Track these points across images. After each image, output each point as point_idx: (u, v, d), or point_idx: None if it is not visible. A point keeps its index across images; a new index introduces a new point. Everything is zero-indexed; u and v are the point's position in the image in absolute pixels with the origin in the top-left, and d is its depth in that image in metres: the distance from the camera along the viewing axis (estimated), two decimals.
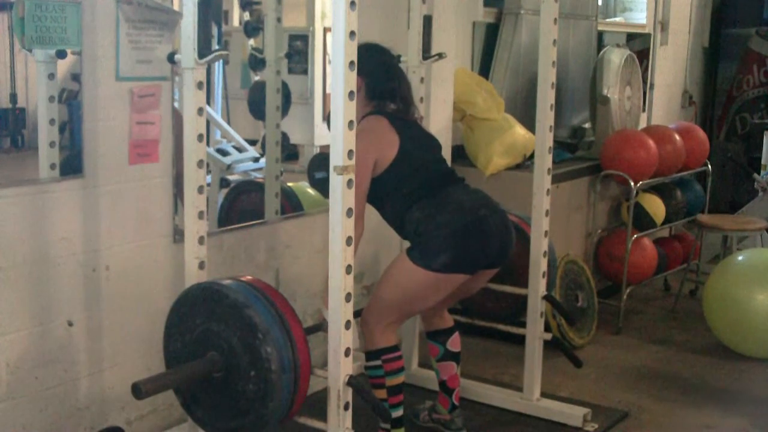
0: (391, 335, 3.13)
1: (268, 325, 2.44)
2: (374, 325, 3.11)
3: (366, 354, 3.16)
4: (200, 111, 2.74)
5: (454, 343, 3.39)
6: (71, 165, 2.94)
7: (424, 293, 3.05)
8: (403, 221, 3.11)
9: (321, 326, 2.90)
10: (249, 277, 2.63)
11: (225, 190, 4.35)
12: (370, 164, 3.02)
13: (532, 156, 3.71)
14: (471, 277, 3.08)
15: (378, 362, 3.11)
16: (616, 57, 5.20)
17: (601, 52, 5.34)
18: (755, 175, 5.79)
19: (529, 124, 3.87)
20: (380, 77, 3.16)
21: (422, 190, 3.08)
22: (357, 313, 2.84)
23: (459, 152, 4.65)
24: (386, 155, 3.07)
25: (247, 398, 2.49)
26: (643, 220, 5.06)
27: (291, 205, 4.02)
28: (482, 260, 3.06)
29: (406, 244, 3.15)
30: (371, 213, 3.18)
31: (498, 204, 3.15)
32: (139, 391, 2.41)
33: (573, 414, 3.57)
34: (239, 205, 4.29)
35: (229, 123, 4.60)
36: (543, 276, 3.53)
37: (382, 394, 3.12)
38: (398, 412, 3.16)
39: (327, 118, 4.40)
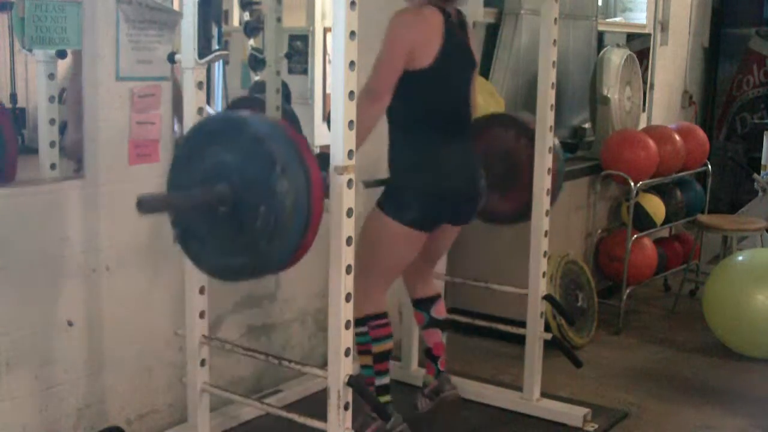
0: (378, 302, 3.16)
1: (288, 161, 2.31)
2: (360, 291, 3.11)
3: (354, 321, 3.15)
4: (200, 111, 2.74)
5: (439, 310, 3.42)
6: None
7: (401, 245, 3.08)
8: (394, 136, 3.10)
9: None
10: (270, 116, 2.53)
11: None
12: (408, 42, 2.95)
13: None
14: (436, 235, 3.14)
15: (364, 329, 3.14)
16: (616, 57, 5.20)
17: (601, 52, 5.34)
18: (755, 175, 5.79)
19: None
20: None
21: (427, 128, 3.06)
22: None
23: None
24: (423, 54, 2.98)
25: (252, 235, 2.35)
26: (643, 220, 5.06)
27: None
28: (440, 221, 3.13)
29: None
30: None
31: (479, 173, 3.17)
32: (142, 204, 2.31)
33: (573, 414, 3.57)
34: None
35: None
36: (543, 276, 3.53)
37: (367, 360, 3.14)
38: (384, 380, 3.18)
39: (327, 118, 4.39)
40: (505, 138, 3.65)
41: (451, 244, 3.40)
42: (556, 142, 3.65)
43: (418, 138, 3.06)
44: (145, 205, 2.30)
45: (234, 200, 2.36)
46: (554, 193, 3.62)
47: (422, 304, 3.44)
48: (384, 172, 3.20)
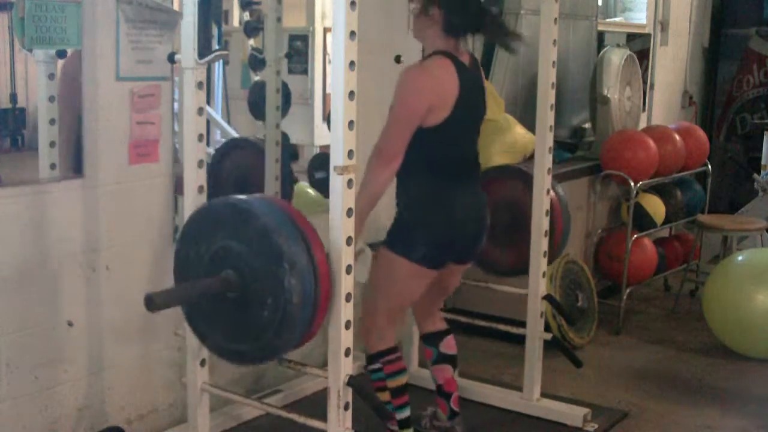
0: (389, 337, 3.12)
1: (295, 256, 2.33)
2: (371, 328, 3.11)
3: (366, 358, 3.16)
4: (200, 111, 2.74)
5: (448, 345, 3.34)
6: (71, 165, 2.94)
7: (406, 282, 3.03)
8: (402, 177, 3.00)
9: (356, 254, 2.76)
10: (276, 199, 2.51)
11: None
12: (423, 107, 2.85)
13: (532, 156, 3.71)
14: (444, 273, 3.10)
15: (378, 365, 3.11)
16: (616, 57, 5.20)
17: (601, 52, 5.34)
18: (755, 175, 5.79)
19: (529, 124, 3.87)
20: (458, 5, 2.93)
21: (438, 172, 3.00)
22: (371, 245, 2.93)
23: None
24: (439, 112, 2.89)
25: (260, 326, 2.39)
26: (643, 220, 5.06)
27: None
28: (447, 260, 3.07)
29: None
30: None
31: (486, 212, 3.14)
32: (152, 302, 2.32)
33: (573, 414, 3.57)
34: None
35: (229, 123, 4.60)
36: (543, 276, 3.53)
37: (385, 396, 3.11)
38: (404, 414, 3.14)
39: (327, 118, 4.39)
40: (511, 191, 3.66)
41: (458, 281, 3.33)
42: (561, 191, 3.64)
43: (427, 180, 3.00)
44: (155, 303, 2.32)
45: (242, 287, 2.40)
46: (562, 239, 3.66)
47: (431, 340, 3.35)
48: (382, 230, 3.15)
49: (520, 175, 3.68)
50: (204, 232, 2.51)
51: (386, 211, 3.41)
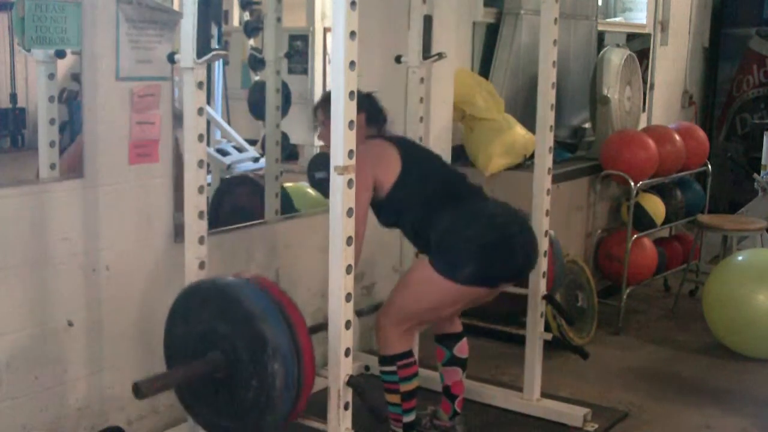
0: (408, 340, 3.11)
1: (278, 341, 2.39)
2: (390, 330, 3.09)
3: (380, 358, 3.13)
4: (200, 111, 2.74)
5: (462, 348, 3.35)
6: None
7: (445, 303, 3.05)
8: (422, 231, 3.08)
9: (325, 325, 2.85)
10: (263, 281, 2.55)
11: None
12: (369, 185, 3.01)
13: (532, 156, 3.71)
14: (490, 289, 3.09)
15: (393, 368, 3.09)
16: (616, 57, 5.20)
17: (601, 52, 5.34)
18: (755, 175, 5.80)
19: (529, 124, 3.87)
20: (373, 106, 3.26)
21: (440, 199, 3.06)
22: (359, 312, 2.83)
23: (459, 152, 4.65)
24: (389, 171, 3.06)
25: (246, 406, 2.46)
26: (643, 220, 5.06)
27: (283, 207, 3.99)
28: (505, 275, 3.07)
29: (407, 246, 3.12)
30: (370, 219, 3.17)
31: (526, 218, 3.17)
32: (139, 391, 2.37)
33: (573, 414, 3.57)
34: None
35: (229, 123, 4.61)
36: (543, 276, 3.52)
37: (395, 399, 3.10)
38: (410, 417, 3.14)
39: None
40: None
41: (493, 297, 3.24)
42: (553, 234, 3.58)
43: (442, 210, 3.04)
44: (143, 392, 2.37)
45: (228, 369, 2.45)
46: (553, 285, 3.62)
47: (445, 341, 3.35)
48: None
49: None
50: (192, 311, 2.56)
51: (380, 280, 3.40)
